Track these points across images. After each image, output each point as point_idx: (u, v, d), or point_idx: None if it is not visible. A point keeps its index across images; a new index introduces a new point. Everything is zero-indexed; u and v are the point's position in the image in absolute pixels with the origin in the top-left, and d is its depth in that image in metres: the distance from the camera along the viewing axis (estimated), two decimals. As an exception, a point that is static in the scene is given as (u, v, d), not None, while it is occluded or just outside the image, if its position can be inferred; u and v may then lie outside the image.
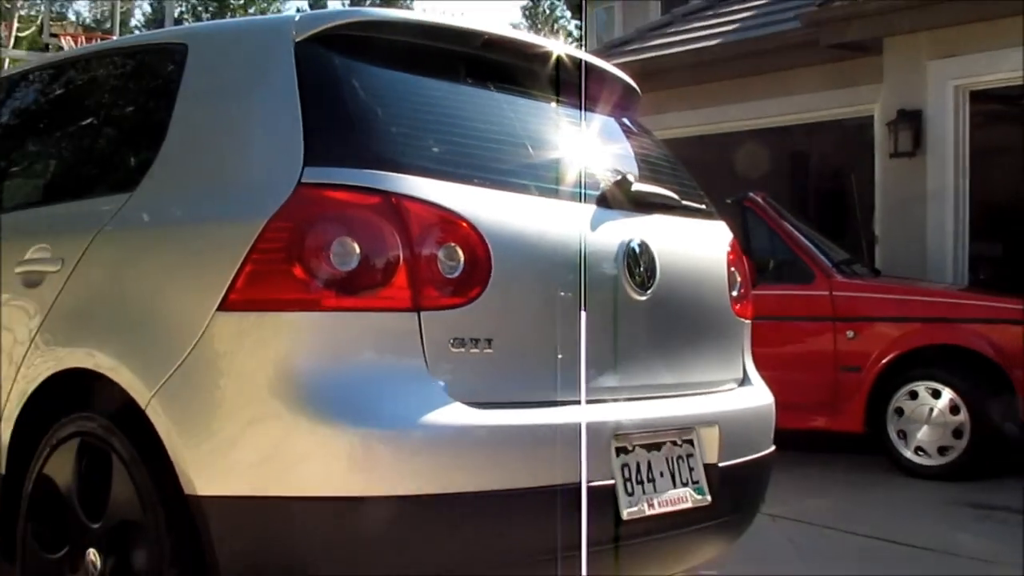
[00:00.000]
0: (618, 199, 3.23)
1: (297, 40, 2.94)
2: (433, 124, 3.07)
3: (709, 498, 3.23)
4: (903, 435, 7.16)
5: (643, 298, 3.17)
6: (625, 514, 2.95)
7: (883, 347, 7.29)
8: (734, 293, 3.65)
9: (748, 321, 3.76)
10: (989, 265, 11.99)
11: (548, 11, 54.24)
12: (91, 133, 3.75)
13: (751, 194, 8.02)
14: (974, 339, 7.08)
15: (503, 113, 3.28)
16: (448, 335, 2.68)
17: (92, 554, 2.92)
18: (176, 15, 31.66)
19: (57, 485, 3.06)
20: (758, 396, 3.67)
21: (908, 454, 7.13)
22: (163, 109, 3.22)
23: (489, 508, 2.65)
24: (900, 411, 7.18)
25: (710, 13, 13.09)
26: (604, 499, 2.88)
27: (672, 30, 13.12)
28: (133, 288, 3.01)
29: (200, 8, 51.45)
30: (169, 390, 2.71)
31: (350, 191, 2.67)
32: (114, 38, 12.66)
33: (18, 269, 3.36)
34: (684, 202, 3.56)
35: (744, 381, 3.68)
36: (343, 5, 51.80)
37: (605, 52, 12.35)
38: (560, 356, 2.90)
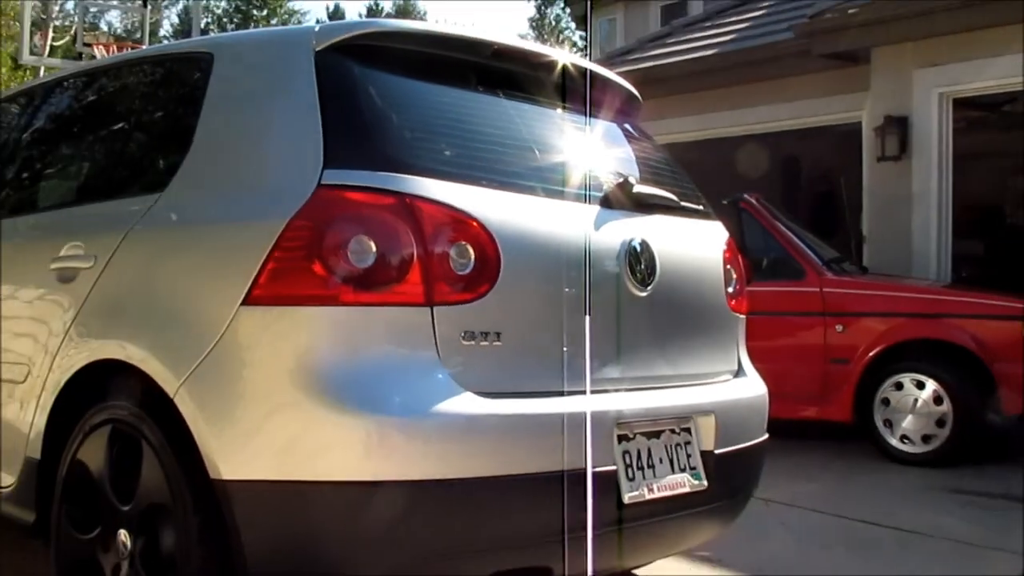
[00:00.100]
0: (620, 200, 3.23)
1: (317, 49, 2.95)
2: (445, 129, 3.07)
3: (706, 483, 3.23)
4: (889, 424, 7.15)
5: (644, 294, 3.17)
6: (626, 498, 2.94)
7: (870, 341, 7.28)
8: (730, 289, 3.65)
9: (743, 316, 3.75)
10: (971, 263, 11.97)
11: (554, 22, 54.22)
12: (122, 137, 3.76)
13: (746, 195, 8.01)
14: (957, 333, 7.07)
15: (511, 118, 3.28)
16: (459, 329, 2.68)
17: (123, 535, 2.92)
18: (202, 26, 31.66)
19: (90, 470, 3.06)
20: (752, 387, 3.66)
21: (894, 442, 7.12)
22: (190, 115, 3.22)
23: (498, 492, 2.65)
24: (886, 401, 7.17)
25: (707, 24, 13.07)
26: (607, 484, 2.88)
27: (671, 40, 13.11)
28: (162, 284, 3.01)
29: (225, 20, 51.52)
30: (196, 380, 2.71)
31: (367, 192, 2.67)
32: (144, 47, 12.67)
33: (53, 265, 3.36)
34: (683, 203, 3.56)
35: (739, 373, 3.68)
36: (360, 16, 51.82)
37: (608, 61, 12.35)
38: (565, 349, 2.90)
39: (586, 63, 3.56)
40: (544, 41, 46.55)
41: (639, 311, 3.16)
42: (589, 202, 3.13)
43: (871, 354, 7.25)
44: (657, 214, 3.36)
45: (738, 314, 3.71)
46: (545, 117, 3.38)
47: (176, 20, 48.52)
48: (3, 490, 3.50)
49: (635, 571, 4.07)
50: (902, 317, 7.34)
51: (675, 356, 3.35)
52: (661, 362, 3.28)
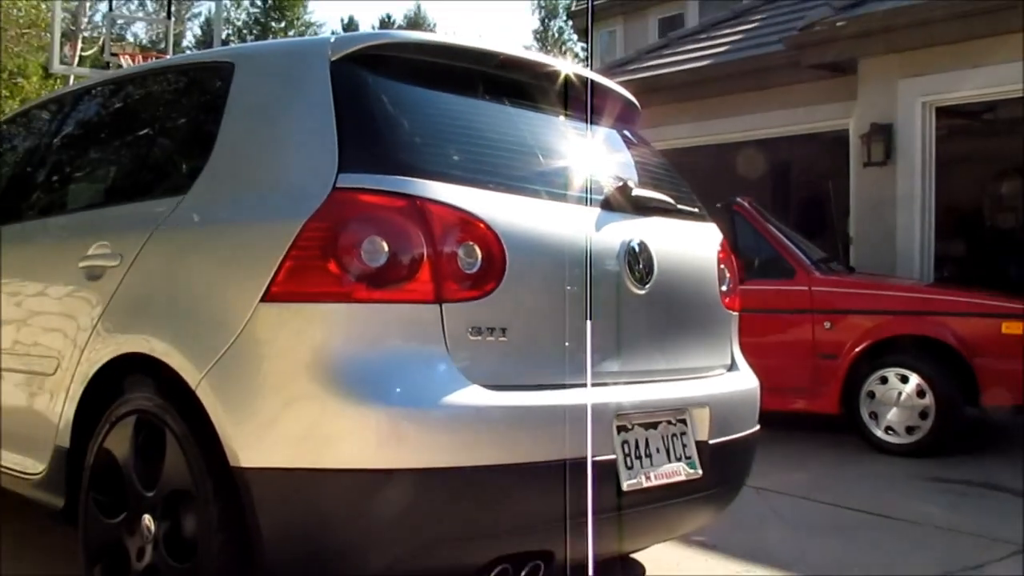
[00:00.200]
0: (620, 203, 3.22)
1: (332, 59, 2.95)
2: (454, 135, 3.07)
3: (700, 472, 3.23)
4: (874, 416, 7.14)
5: (642, 292, 3.16)
6: (625, 486, 2.94)
7: (857, 337, 7.27)
8: (723, 288, 3.64)
9: (736, 313, 3.75)
10: (953, 263, 11.98)
11: (557, 34, 54.18)
12: (147, 142, 3.75)
13: (739, 199, 7.99)
14: (939, 330, 7.05)
15: (516, 125, 3.28)
16: (467, 325, 2.68)
17: (147, 520, 2.92)
18: (223, 37, 31.68)
19: (116, 458, 3.07)
20: (745, 380, 3.66)
21: (879, 433, 7.10)
22: (212, 121, 3.22)
23: (504, 479, 2.64)
24: (872, 394, 7.16)
25: (703, 36, 13.06)
26: (607, 472, 2.88)
27: (668, 51, 13.09)
28: (185, 281, 3.01)
29: (245, 31, 51.52)
30: (217, 373, 2.71)
31: (379, 195, 2.67)
32: (168, 57, 12.68)
33: (82, 264, 3.36)
34: (679, 206, 3.55)
35: (732, 367, 3.67)
36: (373, 28, 51.86)
37: (608, 71, 12.33)
38: (567, 344, 2.89)
39: (587, 73, 3.55)
40: (548, 52, 46.53)
41: (638, 308, 3.16)
42: (590, 204, 3.13)
43: (857, 350, 7.24)
44: (655, 216, 3.36)
45: (731, 311, 3.70)
46: (548, 124, 3.38)
47: (198, 31, 48.56)
48: (34, 477, 3.51)
49: (633, 555, 4.07)
50: (887, 314, 7.32)
51: (672, 351, 3.35)
52: (658, 357, 3.28)
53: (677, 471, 3.15)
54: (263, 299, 2.66)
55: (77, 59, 24.14)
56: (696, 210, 3.73)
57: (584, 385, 2.90)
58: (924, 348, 7.08)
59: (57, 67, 19.55)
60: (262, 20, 52.55)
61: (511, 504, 2.71)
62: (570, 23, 46.42)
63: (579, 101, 3.45)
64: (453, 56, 3.18)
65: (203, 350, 2.77)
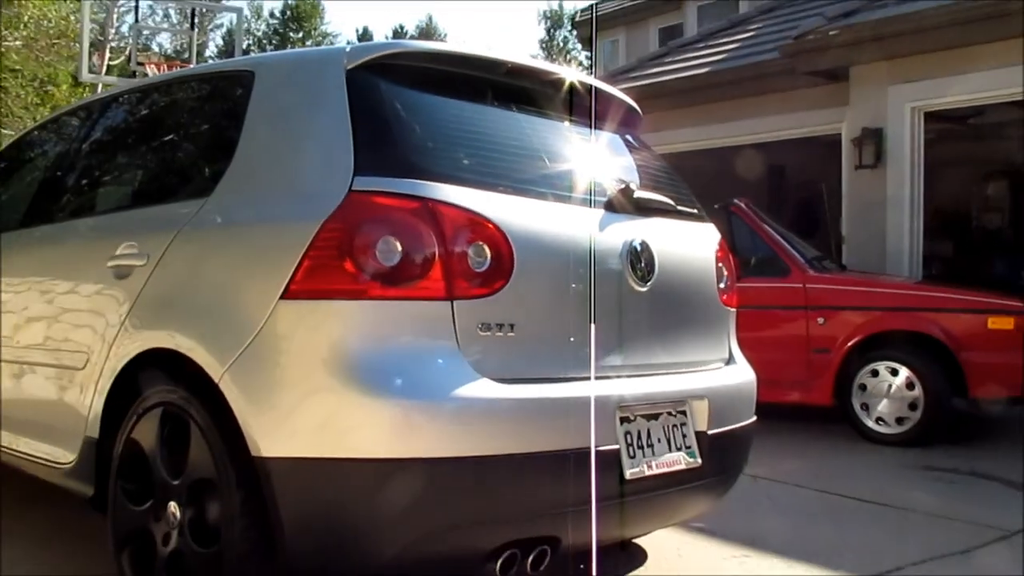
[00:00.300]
0: (622, 204, 3.22)
1: (348, 68, 2.95)
2: (464, 139, 3.07)
3: (699, 461, 3.22)
4: (866, 407, 7.13)
5: (643, 289, 3.16)
6: (628, 474, 2.94)
7: (849, 332, 7.26)
8: (721, 285, 3.64)
9: (733, 309, 3.74)
10: (940, 262, 11.94)
11: (562, 44, 54.12)
12: (172, 147, 3.76)
13: (736, 200, 7.98)
14: (927, 325, 7.04)
15: (523, 130, 3.27)
16: (476, 321, 2.68)
17: (172, 506, 2.93)
18: (244, 47, 31.69)
19: (143, 448, 3.07)
20: (742, 373, 3.65)
21: (870, 424, 7.09)
22: (234, 127, 3.22)
23: (512, 468, 2.65)
24: (863, 387, 7.14)
25: (701, 45, 13.03)
26: (610, 461, 2.88)
27: (668, 60, 13.07)
28: (208, 280, 3.01)
29: (264, 41, 51.56)
30: (239, 367, 2.71)
31: (393, 197, 2.67)
32: (191, 66, 12.69)
33: (110, 263, 3.37)
34: (679, 207, 3.55)
35: (730, 361, 3.66)
36: (386, 38, 51.88)
37: (611, 78, 12.31)
38: (572, 339, 2.89)
39: (591, 80, 3.55)
40: (553, 60, 46.49)
41: (639, 305, 3.15)
42: (594, 206, 3.12)
43: (850, 344, 7.23)
44: (656, 217, 3.36)
45: (729, 308, 3.70)
46: (554, 129, 3.38)
47: (220, 42, 48.59)
48: (65, 466, 3.51)
49: (636, 540, 4.07)
50: (878, 311, 7.31)
51: (672, 346, 3.34)
52: (659, 351, 3.28)
53: (677, 460, 3.14)
54: (283, 296, 2.66)
55: (105, 68, 24.16)
56: (695, 211, 3.72)
57: (588, 378, 2.90)
58: (913, 343, 7.07)
59: (86, 76, 19.57)
60: (281, 31, 52.59)
61: (519, 492, 2.71)
62: (574, 33, 46.30)
63: (583, 107, 3.45)
64: (463, 64, 3.18)
65: (226, 345, 2.77)
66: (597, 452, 2.80)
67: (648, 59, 13.80)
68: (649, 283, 3.18)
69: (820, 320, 7.40)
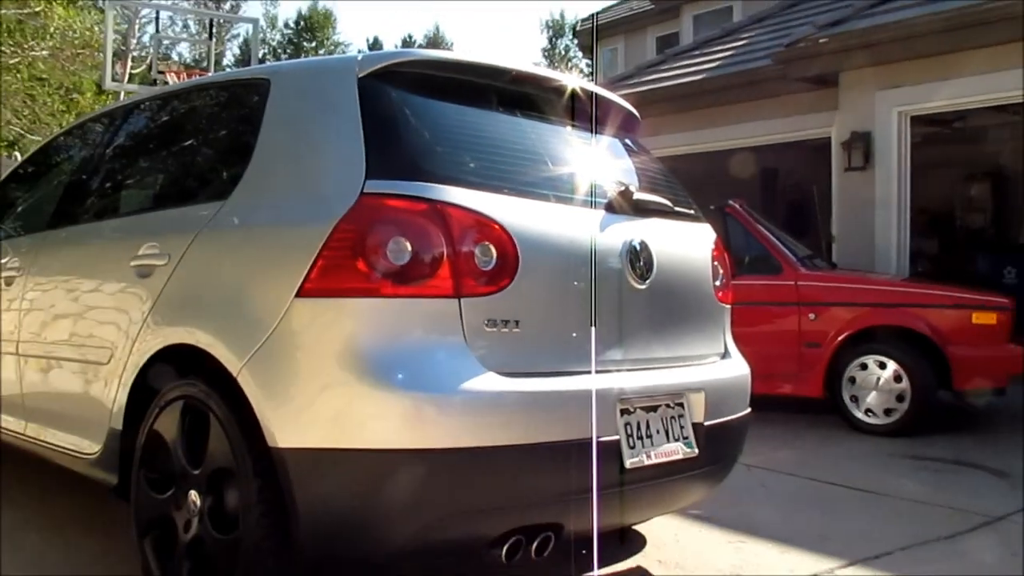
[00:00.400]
0: (622, 206, 3.22)
1: (360, 76, 2.95)
2: (470, 144, 3.06)
3: (696, 451, 3.22)
4: (855, 399, 7.12)
5: (642, 287, 3.16)
6: (628, 464, 2.94)
7: (839, 327, 7.25)
8: (717, 283, 3.63)
9: (728, 306, 3.74)
10: (926, 260, 11.94)
11: (564, 52, 54.04)
12: (191, 152, 3.76)
13: (731, 201, 7.98)
14: (914, 320, 7.03)
15: (527, 135, 3.27)
16: (483, 317, 2.68)
17: (193, 495, 2.93)
18: (260, 56, 31.68)
19: (164, 439, 3.08)
20: (737, 367, 3.65)
21: (859, 415, 7.08)
22: (250, 132, 3.23)
23: (517, 458, 2.65)
24: (853, 379, 7.14)
25: (696, 53, 13.02)
26: (611, 452, 2.88)
27: (665, 67, 13.06)
28: (227, 278, 3.01)
29: (279, 50, 51.57)
30: (256, 362, 2.71)
31: (403, 199, 2.67)
32: (209, 74, 12.69)
33: (133, 263, 3.37)
34: (676, 208, 3.55)
35: (725, 355, 3.66)
36: (396, 47, 51.86)
37: (610, 85, 12.30)
38: (574, 334, 2.90)
39: (592, 86, 3.55)
40: (555, 68, 46.45)
41: (638, 302, 3.15)
42: (595, 207, 3.12)
43: (840, 339, 7.22)
44: (654, 218, 3.35)
45: (724, 304, 3.69)
46: (556, 133, 3.37)
47: (237, 51, 48.60)
48: (91, 456, 3.52)
49: (635, 527, 4.07)
50: (867, 307, 7.30)
51: (670, 341, 3.34)
52: (658, 346, 3.27)
53: (675, 450, 3.14)
54: (297, 295, 2.66)
55: (127, 76, 24.19)
56: (692, 212, 3.72)
57: (590, 372, 2.90)
58: (901, 337, 7.06)
59: (109, 84, 19.55)
60: (295, 40, 52.56)
61: (524, 481, 2.71)
62: (575, 41, 46.23)
63: (584, 112, 3.45)
64: (469, 72, 3.18)
65: (243, 341, 2.77)
66: (598, 443, 2.80)
67: (646, 66, 13.79)
68: (648, 281, 3.18)
69: (811, 316, 7.39)
